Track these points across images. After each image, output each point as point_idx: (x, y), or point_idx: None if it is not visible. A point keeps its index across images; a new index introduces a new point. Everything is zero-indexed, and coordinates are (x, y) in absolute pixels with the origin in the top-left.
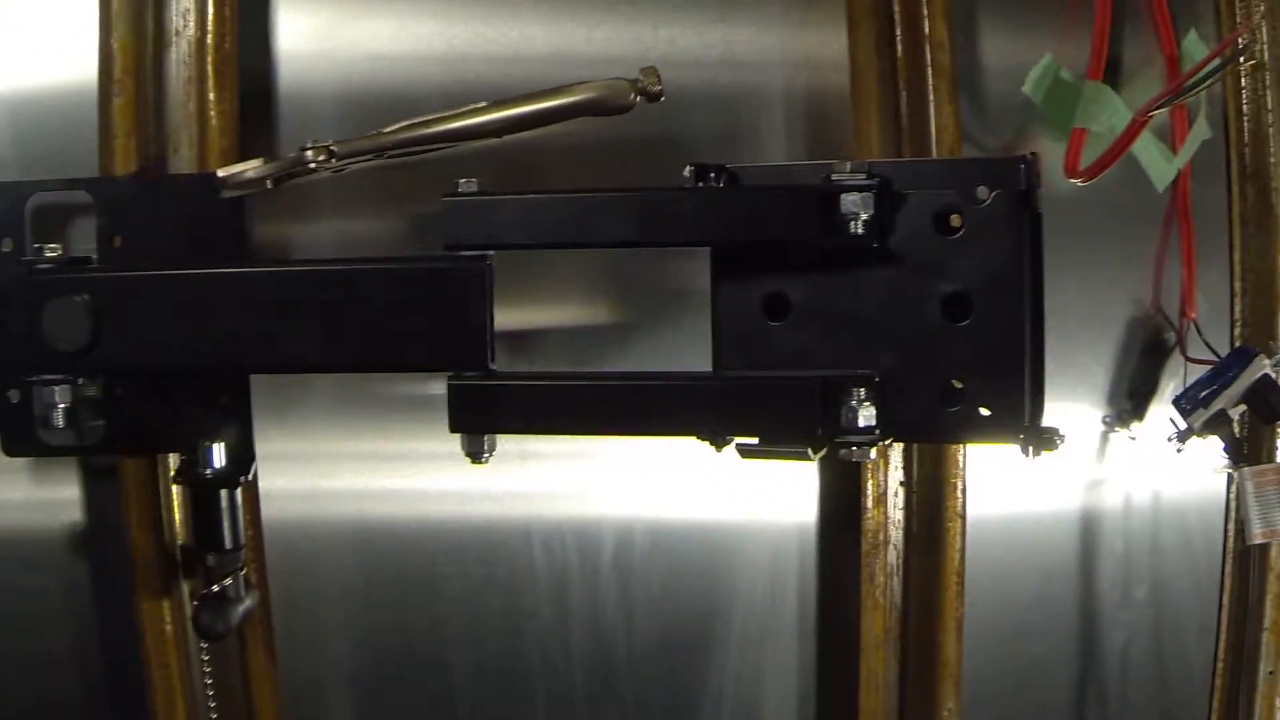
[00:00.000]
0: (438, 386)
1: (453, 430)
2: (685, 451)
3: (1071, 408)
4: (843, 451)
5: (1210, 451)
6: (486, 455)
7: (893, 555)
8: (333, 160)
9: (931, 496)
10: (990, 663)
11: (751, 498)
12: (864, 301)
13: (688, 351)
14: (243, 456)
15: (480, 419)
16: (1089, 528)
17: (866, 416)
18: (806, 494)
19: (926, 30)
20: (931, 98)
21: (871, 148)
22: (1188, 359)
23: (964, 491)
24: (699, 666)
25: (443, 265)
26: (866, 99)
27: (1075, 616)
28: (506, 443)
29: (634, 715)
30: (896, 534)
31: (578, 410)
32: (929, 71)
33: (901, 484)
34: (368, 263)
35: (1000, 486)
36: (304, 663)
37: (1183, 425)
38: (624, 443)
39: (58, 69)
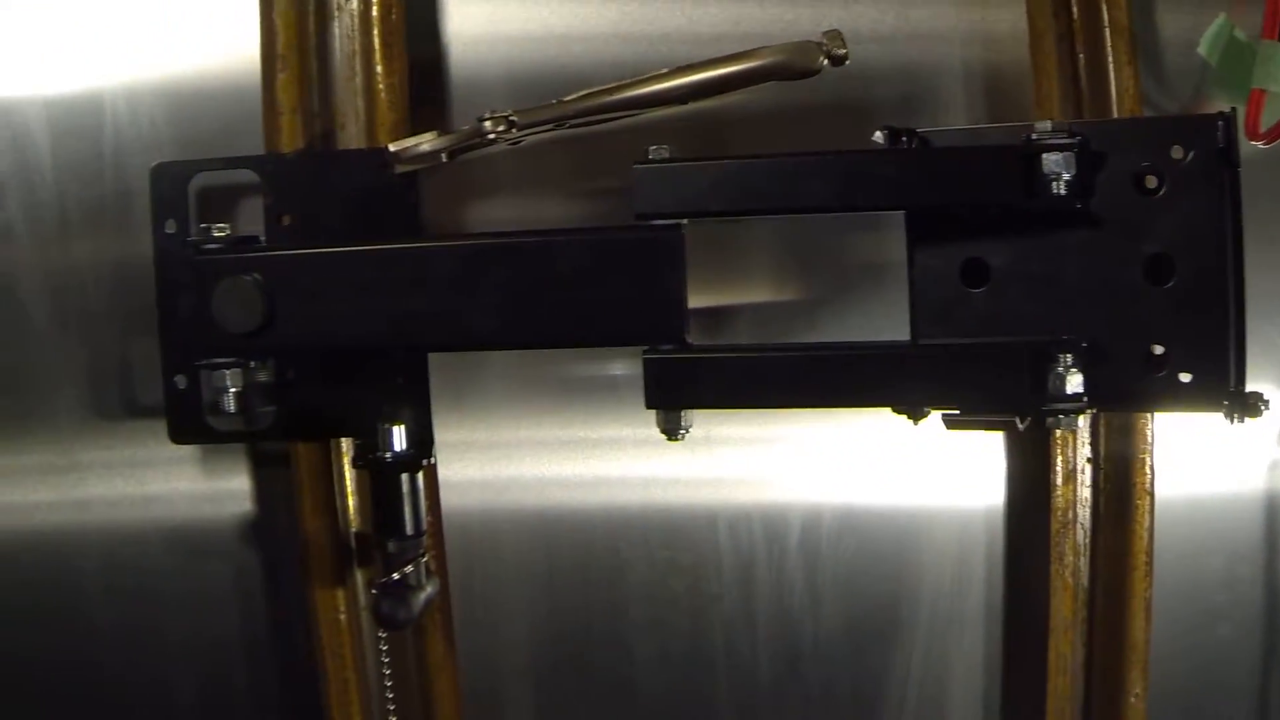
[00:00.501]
0: (618, 367)
1: (649, 406)
2: (871, 435)
3: (1255, 385)
4: (1050, 420)
5: None
6: (683, 432)
7: (1080, 535)
8: (513, 130)
9: (1119, 473)
10: (1175, 645)
11: (938, 480)
12: (1065, 265)
13: (875, 326)
14: (423, 439)
15: (678, 394)
16: (1276, 507)
17: (1074, 384)
18: (993, 475)
19: None
20: (1110, 58)
21: (1053, 113)
22: None
23: (1152, 468)
24: (885, 652)
25: (635, 235)
26: (1045, 62)
27: (1262, 598)
28: (692, 427)
29: (819, 702)
30: (1084, 513)
31: (777, 383)
32: (1106, 31)
33: (1089, 460)
34: (555, 235)
35: (1185, 465)
36: (482, 651)
37: None
38: (810, 426)
39: (214, 47)
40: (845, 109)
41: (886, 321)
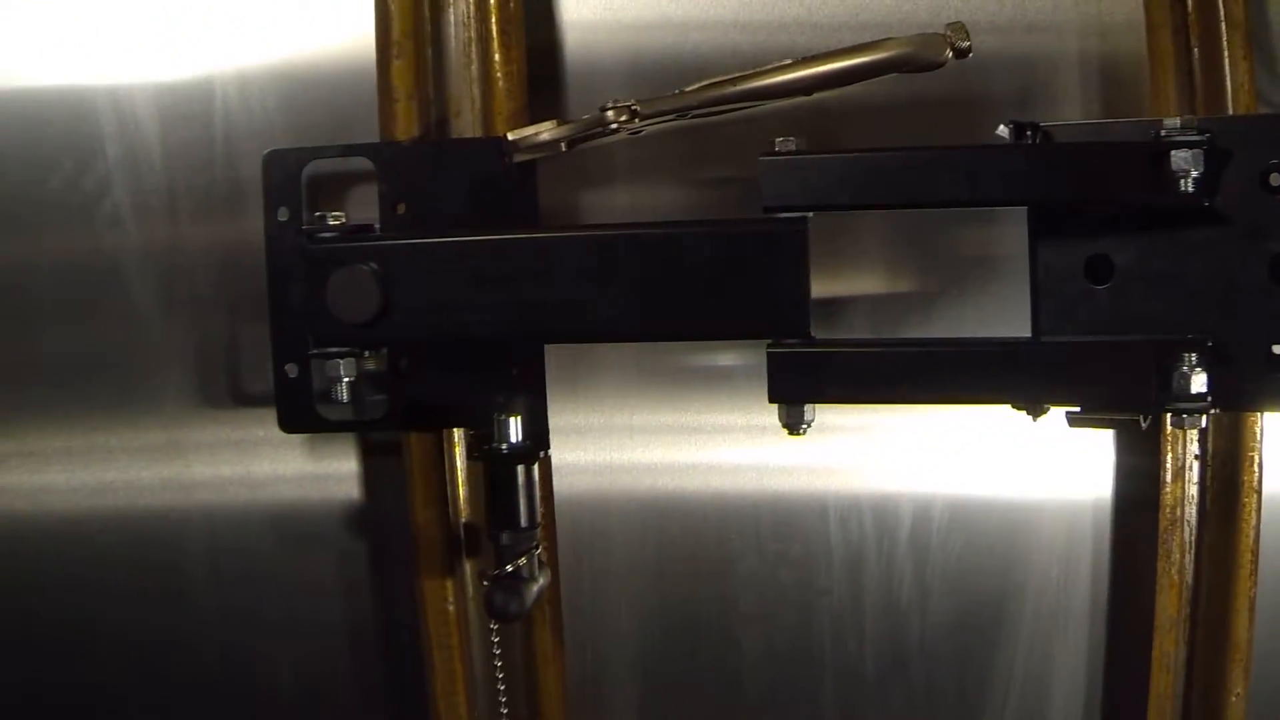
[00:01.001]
0: (731, 356)
1: (772, 400)
2: (982, 427)
3: None
4: (1174, 420)
5: None
6: (805, 426)
7: (1187, 532)
8: (635, 120)
9: (1227, 471)
10: (1276, 645)
11: (1047, 474)
12: (1190, 263)
13: (988, 320)
14: (538, 430)
15: (801, 388)
16: None
17: (1199, 383)
18: (1102, 470)
19: None
20: (1226, 53)
21: (1169, 107)
22: None
23: (1261, 466)
24: (990, 646)
25: (761, 228)
26: (1163, 55)
27: None
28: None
29: (923, 698)
30: (1191, 510)
31: (900, 378)
32: (1223, 25)
33: (1197, 458)
34: (681, 226)
35: None
36: (589, 642)
37: None
38: (922, 416)
39: (326, 34)
40: (961, 101)
41: (1000, 316)
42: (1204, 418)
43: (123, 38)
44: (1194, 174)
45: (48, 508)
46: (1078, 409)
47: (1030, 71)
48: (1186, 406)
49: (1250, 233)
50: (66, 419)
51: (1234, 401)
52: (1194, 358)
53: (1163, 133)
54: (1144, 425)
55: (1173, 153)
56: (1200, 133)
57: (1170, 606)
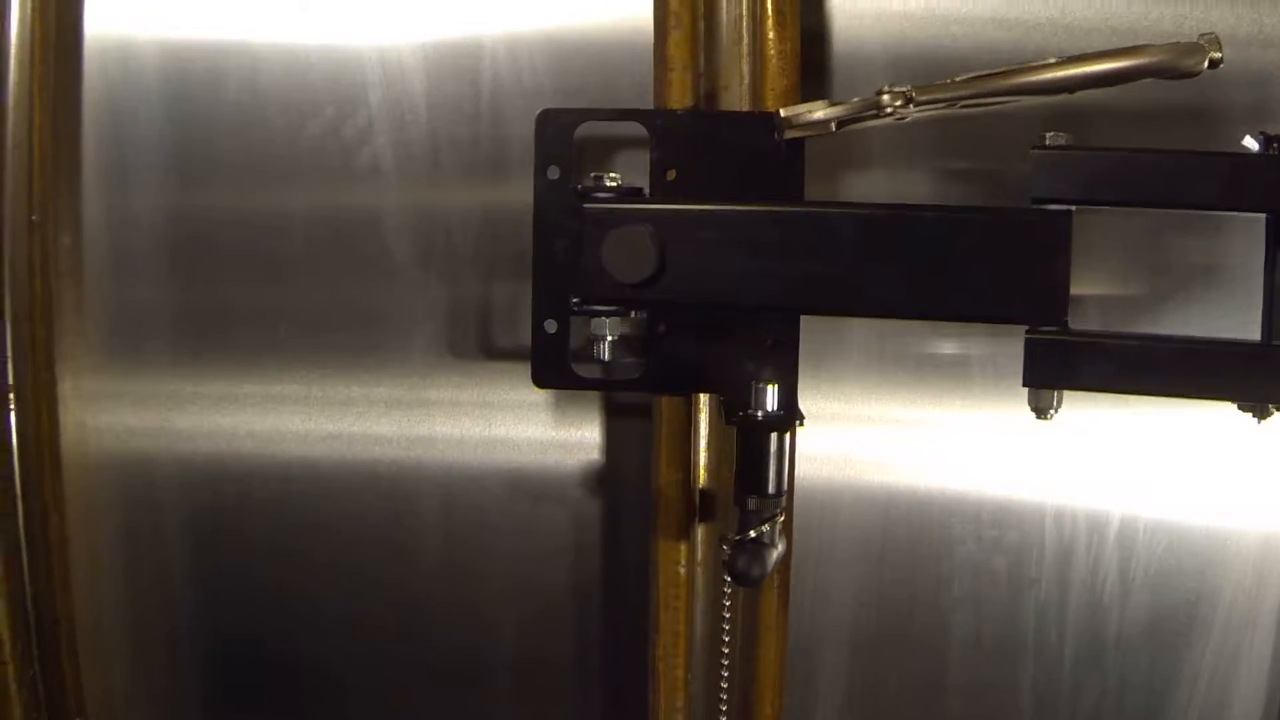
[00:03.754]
0: (972, 347)
1: (1026, 384)
2: (1192, 441)
3: None
4: None
5: None
6: (1053, 412)
7: None
8: (909, 106)
9: None
10: None
11: (1248, 490)
12: None
13: (1213, 326)
14: (791, 401)
15: (1055, 374)
16: None
17: None
18: None
19: None
20: None
21: None
22: None
23: None
24: (1181, 648)
25: (1030, 218)
26: None
27: None
28: (1027, 419)
29: (1114, 693)
30: None
31: (1146, 371)
32: None
33: None
34: (949, 211)
35: None
36: (808, 617)
37: None
38: (1136, 424)
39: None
40: (1196, 111)
41: (1225, 321)
42: None
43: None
44: None
45: (284, 451)
46: None
47: (1268, 86)
48: None
49: None
50: (309, 366)
51: None
52: None
53: None
54: None
55: None
56: None
57: None
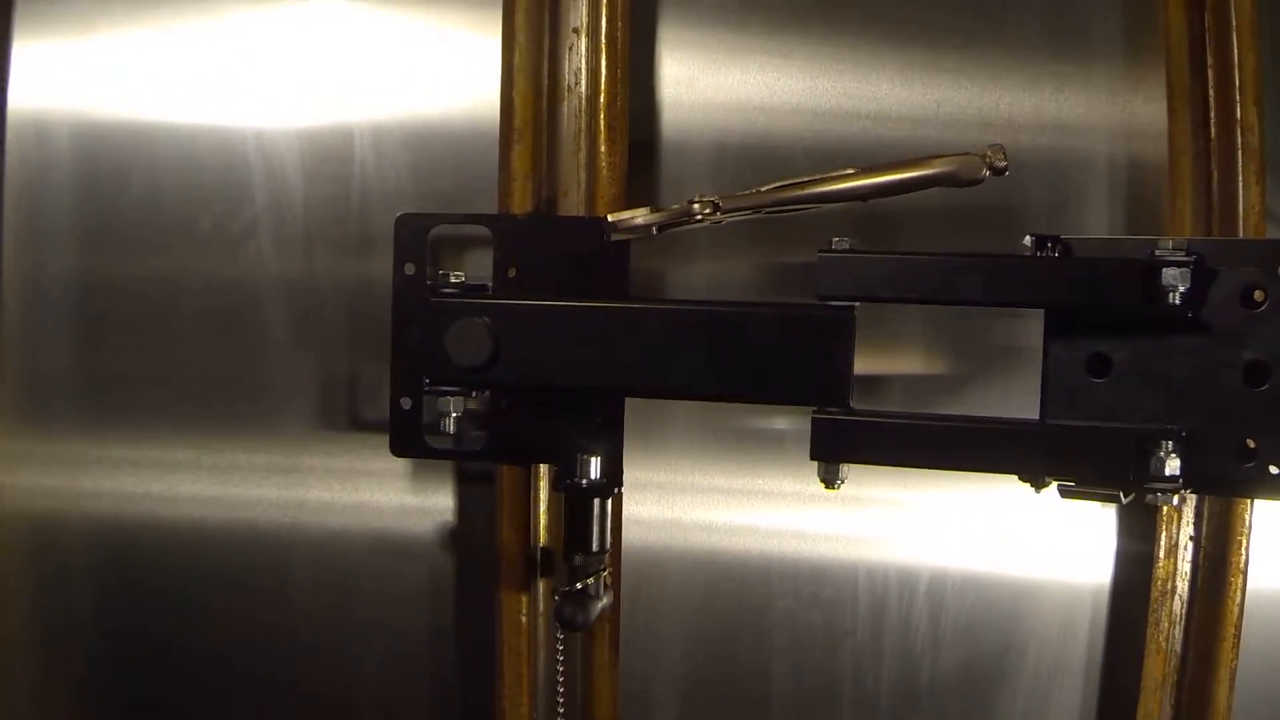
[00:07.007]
0: (784, 423)
1: (813, 458)
2: (998, 506)
3: None
4: (1149, 497)
5: None
6: (839, 482)
7: (1178, 605)
8: (717, 214)
9: (1217, 552)
10: (1258, 716)
11: (1052, 548)
12: (1176, 364)
13: (1011, 402)
14: (613, 470)
15: (838, 450)
16: None
17: (1173, 467)
18: (1103, 549)
19: (1239, 115)
20: (1240, 179)
21: (1185, 222)
22: None
23: (1247, 549)
24: (992, 695)
25: (815, 313)
26: (1181, 178)
27: None
28: (847, 479)
29: None
30: (1183, 585)
31: (923, 447)
32: (1239, 154)
33: (1191, 539)
34: (745, 306)
35: None
36: (640, 663)
37: None
38: (943, 495)
39: (454, 112)
40: (1002, 202)
41: (1022, 399)
42: (1177, 497)
43: (268, 84)
44: (1181, 289)
45: (178, 511)
46: (1071, 483)
47: (1066, 172)
48: (1160, 487)
49: (1229, 341)
50: (199, 433)
51: (1206, 486)
52: (1170, 445)
53: (1156, 252)
54: (1124, 500)
55: (1163, 270)
56: (1189, 254)
57: (1156, 671)
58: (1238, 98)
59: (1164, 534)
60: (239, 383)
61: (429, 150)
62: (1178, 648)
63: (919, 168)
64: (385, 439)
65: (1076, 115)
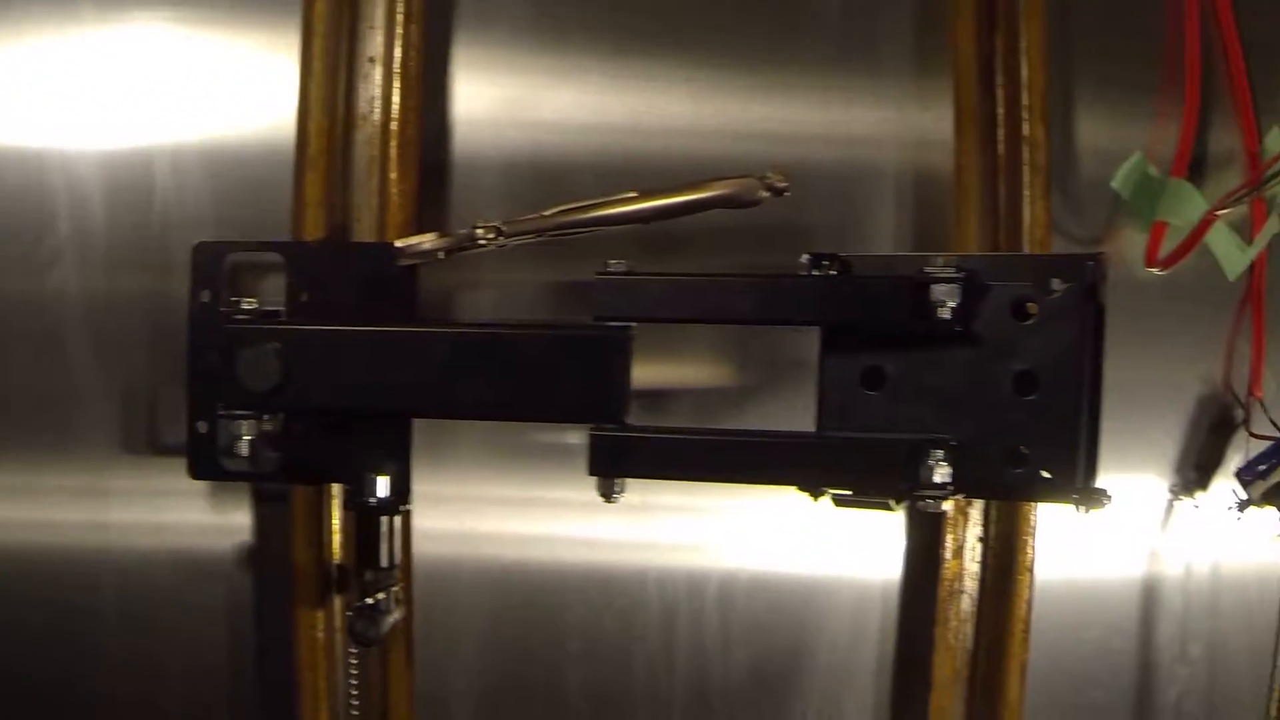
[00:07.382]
0: (573, 437)
1: (591, 474)
2: (788, 510)
3: (1141, 477)
4: (920, 504)
5: (1270, 521)
6: (616, 496)
7: (967, 603)
8: (500, 238)
9: (1004, 552)
10: (1052, 707)
11: (842, 551)
12: (948, 376)
13: (795, 413)
14: (402, 489)
15: (615, 465)
16: (1151, 588)
17: (942, 474)
18: (893, 549)
19: (1025, 132)
20: (1026, 194)
21: (970, 235)
22: (1252, 434)
23: (1034, 549)
24: (786, 694)
25: (591, 333)
26: (968, 193)
27: (1134, 669)
28: (625, 492)
29: None
30: (972, 584)
31: (698, 460)
32: (1025, 169)
33: (979, 539)
34: (524, 327)
35: (1071, 549)
36: (436, 673)
37: (1243, 496)
38: (732, 500)
39: (251, 135)
40: (789, 218)
41: (808, 412)
42: (945, 503)
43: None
44: (950, 304)
45: None
46: (847, 493)
47: (853, 181)
48: (929, 494)
49: (1000, 353)
50: (14, 459)
51: (979, 492)
52: (940, 454)
53: (926, 269)
54: (895, 508)
55: (932, 286)
56: (958, 271)
57: (947, 667)
58: (1025, 116)
59: (950, 535)
60: (52, 407)
61: (229, 175)
62: (969, 644)
63: (698, 190)
64: (185, 461)
65: (865, 130)
